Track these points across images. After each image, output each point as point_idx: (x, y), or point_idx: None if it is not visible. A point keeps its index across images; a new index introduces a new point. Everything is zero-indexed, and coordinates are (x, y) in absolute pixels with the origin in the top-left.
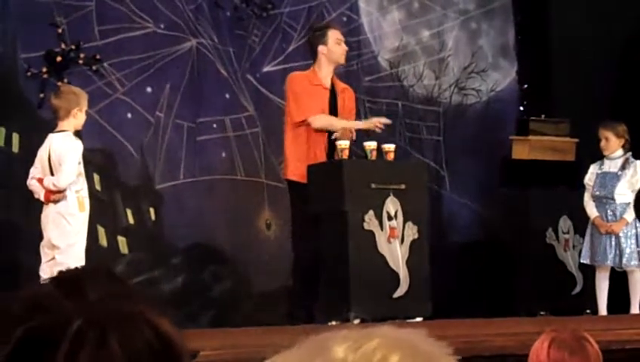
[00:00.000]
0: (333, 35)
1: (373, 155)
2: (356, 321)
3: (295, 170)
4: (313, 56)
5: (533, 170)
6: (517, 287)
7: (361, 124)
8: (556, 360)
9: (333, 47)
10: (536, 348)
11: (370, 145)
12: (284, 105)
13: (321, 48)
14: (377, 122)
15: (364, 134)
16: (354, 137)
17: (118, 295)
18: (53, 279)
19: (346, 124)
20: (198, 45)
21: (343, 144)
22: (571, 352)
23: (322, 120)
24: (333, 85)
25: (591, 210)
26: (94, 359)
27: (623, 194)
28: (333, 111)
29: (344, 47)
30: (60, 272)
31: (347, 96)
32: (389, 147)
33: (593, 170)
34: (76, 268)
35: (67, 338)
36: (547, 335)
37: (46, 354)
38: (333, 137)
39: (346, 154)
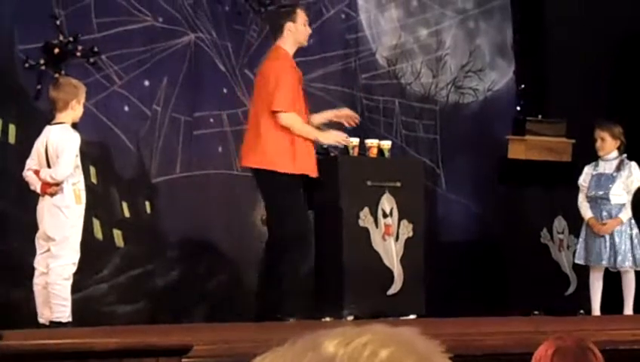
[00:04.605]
0: (302, 16)
1: (355, 152)
2: (350, 318)
3: (275, 158)
4: (277, 32)
5: (529, 170)
6: (511, 286)
7: (322, 137)
8: None
9: (301, 28)
10: (539, 355)
11: (353, 141)
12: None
13: (289, 25)
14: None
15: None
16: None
17: None
18: None
19: (309, 132)
20: (196, 39)
21: (355, 141)
22: None
23: (291, 119)
24: None
25: (585, 211)
26: None
27: (619, 195)
28: None
29: (309, 30)
30: None
31: None
32: (385, 144)
33: (588, 170)
34: None
35: None
36: (551, 344)
37: None
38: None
39: (356, 152)
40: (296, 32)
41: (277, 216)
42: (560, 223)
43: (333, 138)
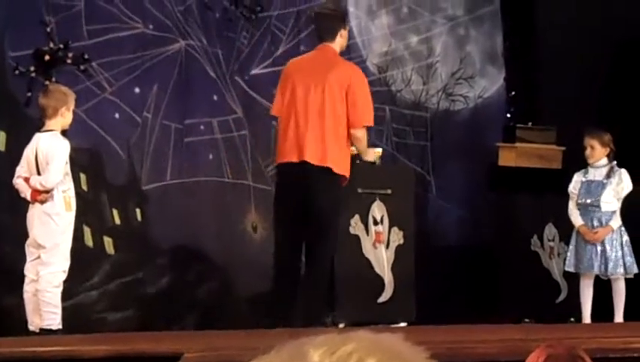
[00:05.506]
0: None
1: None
2: (341, 325)
3: (347, 167)
4: (328, 35)
5: (519, 177)
6: (501, 294)
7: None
8: None
9: (347, 35)
10: None
11: (353, 149)
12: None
13: (342, 31)
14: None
15: None
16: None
17: None
18: None
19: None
20: (186, 46)
21: (379, 152)
22: None
23: (365, 135)
24: None
25: (576, 218)
26: None
27: (609, 202)
28: None
29: None
30: None
31: None
32: (376, 151)
33: (578, 178)
34: None
35: None
36: (542, 351)
37: None
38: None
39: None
40: (344, 39)
41: (333, 221)
42: (550, 230)
43: (372, 157)
